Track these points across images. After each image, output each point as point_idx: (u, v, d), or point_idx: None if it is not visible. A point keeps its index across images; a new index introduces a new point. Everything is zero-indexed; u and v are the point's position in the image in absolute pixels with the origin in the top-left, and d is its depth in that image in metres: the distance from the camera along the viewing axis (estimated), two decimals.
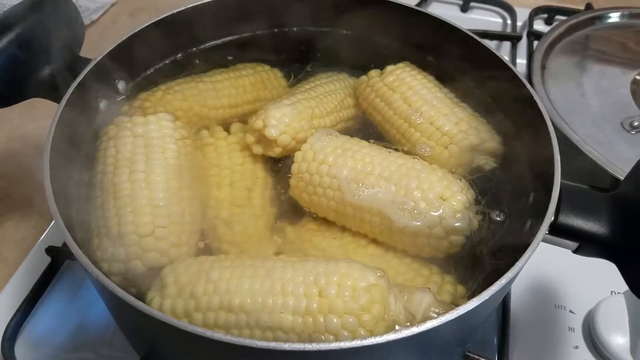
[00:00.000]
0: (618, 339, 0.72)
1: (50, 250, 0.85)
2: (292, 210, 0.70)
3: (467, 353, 0.67)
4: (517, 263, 0.49)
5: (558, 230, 0.55)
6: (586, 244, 0.55)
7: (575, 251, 0.57)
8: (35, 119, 1.01)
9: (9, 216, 0.93)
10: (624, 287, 0.55)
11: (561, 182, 0.57)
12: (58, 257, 0.84)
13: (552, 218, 0.55)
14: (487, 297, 0.48)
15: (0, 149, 1.02)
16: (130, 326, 0.61)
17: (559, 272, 0.82)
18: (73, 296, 0.83)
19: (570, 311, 0.79)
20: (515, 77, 0.67)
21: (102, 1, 1.32)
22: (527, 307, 0.79)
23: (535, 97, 0.64)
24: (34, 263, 0.86)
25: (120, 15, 1.31)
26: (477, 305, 0.48)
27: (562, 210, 0.55)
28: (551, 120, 0.91)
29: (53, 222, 0.87)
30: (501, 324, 0.76)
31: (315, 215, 0.69)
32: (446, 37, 0.75)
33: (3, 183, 0.97)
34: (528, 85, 0.65)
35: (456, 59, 0.76)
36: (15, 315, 0.77)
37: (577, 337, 0.76)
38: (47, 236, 0.89)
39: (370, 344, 0.45)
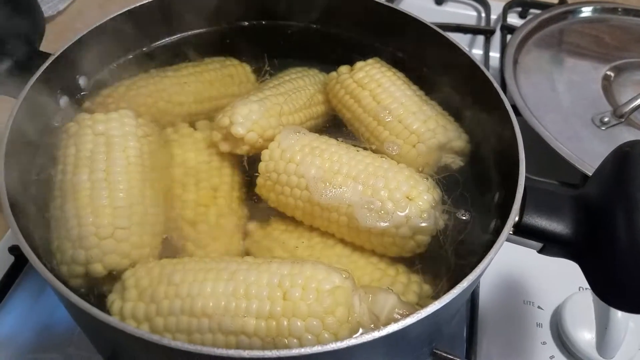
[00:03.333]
0: (584, 335, 0.73)
1: (13, 249, 0.83)
2: (260, 210, 0.69)
3: (434, 350, 0.67)
4: (480, 265, 0.49)
5: (522, 231, 0.55)
6: (550, 244, 0.55)
7: (540, 251, 0.57)
8: None
9: None
10: None
11: (526, 182, 0.57)
12: (22, 256, 0.82)
13: (516, 218, 0.55)
14: (448, 300, 0.47)
15: None
16: (91, 331, 0.60)
17: (528, 268, 0.83)
18: (38, 295, 0.81)
19: (539, 307, 0.79)
20: (482, 74, 0.66)
21: None
22: (495, 303, 0.80)
23: (502, 96, 0.63)
24: None
25: (88, 5, 1.27)
26: (440, 308, 0.48)
27: (527, 210, 0.55)
28: (522, 115, 0.93)
29: None
30: (469, 319, 0.76)
31: (283, 215, 0.68)
32: (414, 33, 0.75)
33: None
34: (495, 84, 0.65)
35: (424, 55, 0.75)
36: None
37: (545, 333, 0.77)
38: (11, 235, 0.87)
39: (332, 349, 0.45)
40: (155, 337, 0.45)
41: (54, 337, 0.77)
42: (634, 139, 0.57)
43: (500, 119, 0.64)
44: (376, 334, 0.45)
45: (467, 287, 0.49)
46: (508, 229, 0.53)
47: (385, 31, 0.78)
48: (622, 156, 0.55)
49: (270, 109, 0.71)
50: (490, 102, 0.66)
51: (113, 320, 0.47)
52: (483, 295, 0.79)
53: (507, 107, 0.63)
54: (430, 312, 0.47)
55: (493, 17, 1.28)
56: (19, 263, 0.82)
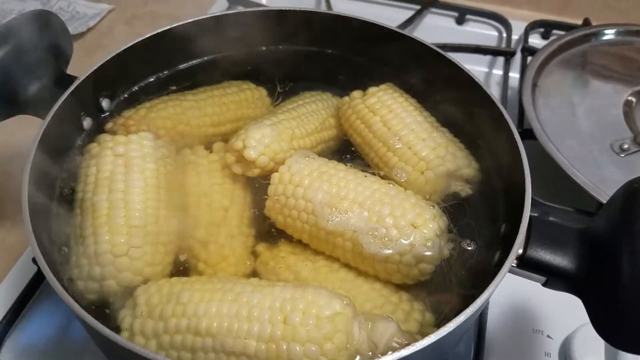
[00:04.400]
0: None
1: (36, 260, 0.86)
2: (268, 231, 0.70)
3: None
4: (478, 300, 0.50)
5: (526, 264, 0.55)
6: (553, 279, 0.55)
7: (544, 285, 0.57)
8: (26, 127, 1.02)
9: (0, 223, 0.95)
10: None
11: (533, 213, 0.57)
12: None
13: (520, 251, 0.55)
14: (445, 333, 0.48)
15: None
16: (102, 345, 0.62)
17: (538, 296, 0.82)
18: (58, 305, 0.84)
19: (548, 336, 0.78)
20: (492, 103, 0.67)
21: (100, 7, 1.33)
22: (503, 330, 0.79)
23: (511, 125, 0.64)
24: (21, 271, 0.87)
25: (116, 22, 1.32)
26: (437, 340, 0.48)
27: (531, 243, 0.55)
28: (538, 140, 0.92)
29: None
30: (476, 346, 0.76)
31: (291, 237, 0.69)
32: (424, 58, 0.75)
33: None
34: (504, 112, 0.65)
35: (436, 81, 0.76)
36: (1, 322, 0.79)
37: None
38: None
39: None
40: (160, 357, 0.47)
41: (73, 345, 0.79)
42: None
43: (508, 148, 0.64)
44: None
45: (466, 320, 0.50)
46: (510, 261, 0.53)
47: (396, 56, 0.79)
48: (631, 193, 0.54)
49: (283, 133, 0.73)
50: (500, 130, 0.66)
51: (120, 339, 0.49)
52: (491, 321, 0.79)
53: (515, 137, 0.63)
54: (427, 344, 0.48)
55: (515, 37, 1.27)
56: (41, 273, 0.85)
